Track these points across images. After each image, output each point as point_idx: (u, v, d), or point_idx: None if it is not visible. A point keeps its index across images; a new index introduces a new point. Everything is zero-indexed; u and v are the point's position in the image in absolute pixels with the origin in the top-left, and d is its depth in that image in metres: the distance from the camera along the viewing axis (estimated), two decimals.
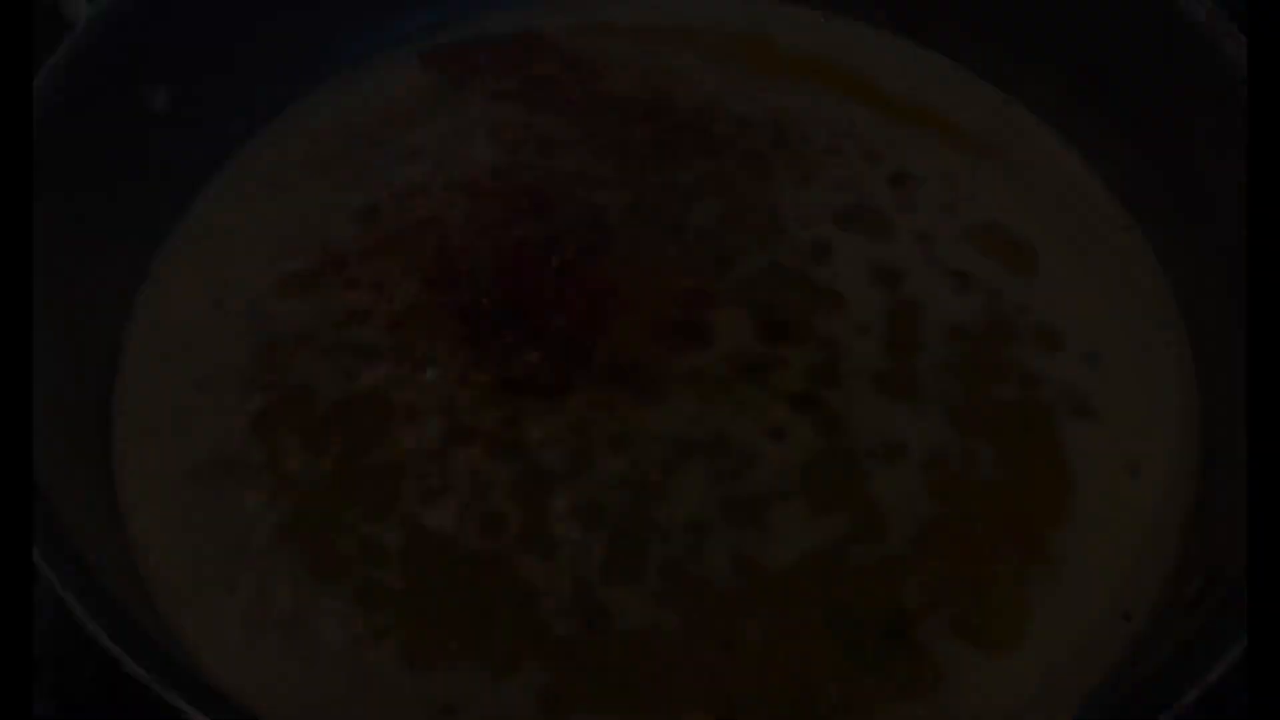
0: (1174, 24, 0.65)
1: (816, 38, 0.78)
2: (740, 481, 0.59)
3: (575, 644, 0.54)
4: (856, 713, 0.53)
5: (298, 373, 0.63)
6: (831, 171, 0.71)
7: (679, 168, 0.71)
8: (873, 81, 0.76)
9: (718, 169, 0.71)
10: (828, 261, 0.67)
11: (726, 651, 0.54)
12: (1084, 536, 0.58)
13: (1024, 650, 0.55)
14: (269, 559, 0.57)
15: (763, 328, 0.64)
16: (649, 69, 0.77)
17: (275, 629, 0.55)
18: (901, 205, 0.70)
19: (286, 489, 0.59)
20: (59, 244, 0.60)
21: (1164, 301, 0.66)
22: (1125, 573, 0.57)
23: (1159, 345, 0.65)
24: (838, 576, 0.56)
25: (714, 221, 0.68)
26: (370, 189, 0.70)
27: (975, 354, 0.63)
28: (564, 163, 0.71)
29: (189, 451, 0.60)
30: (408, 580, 0.56)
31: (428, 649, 0.54)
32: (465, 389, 0.61)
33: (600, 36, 0.79)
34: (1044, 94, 0.74)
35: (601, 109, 0.74)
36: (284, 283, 0.66)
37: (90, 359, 0.62)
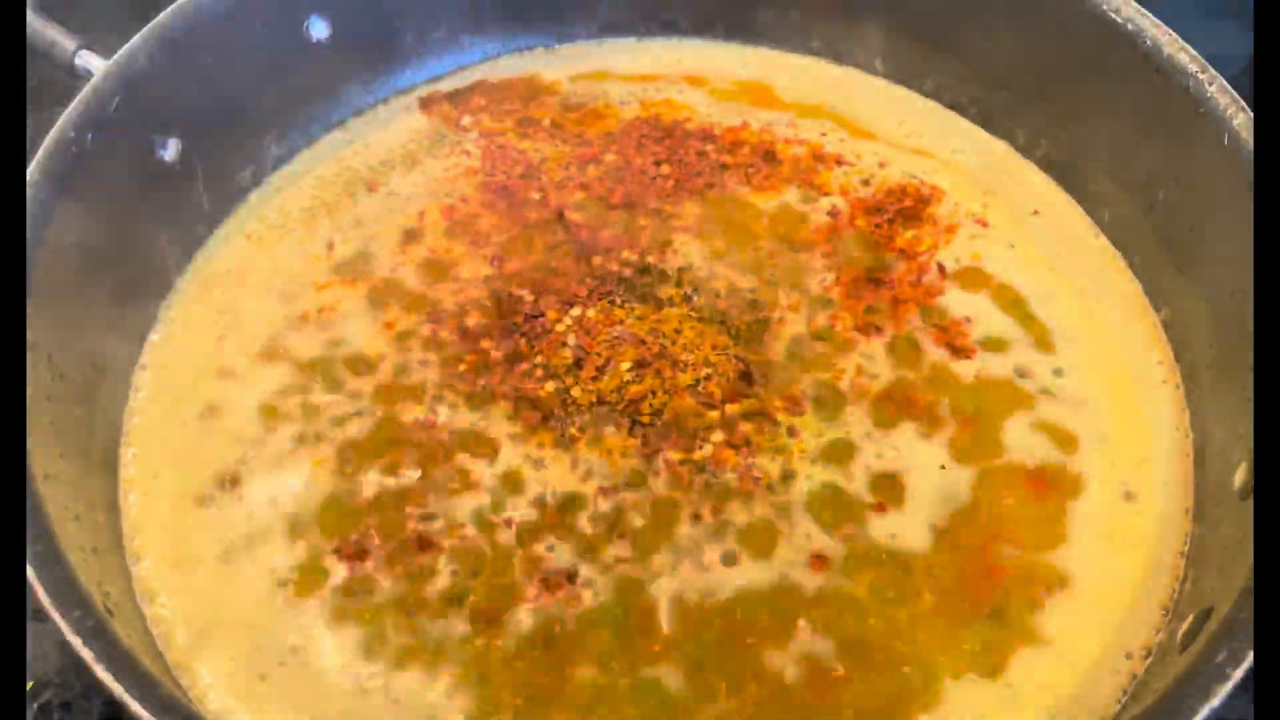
0: (1155, 72, 0.66)
1: (814, 85, 0.80)
2: None
3: None
4: None
5: (304, 409, 0.64)
6: (834, 201, 0.73)
7: (673, 202, 0.73)
8: (871, 124, 0.78)
9: (707, 206, 0.73)
10: (829, 309, 0.68)
11: None
12: (1086, 571, 0.59)
13: (1030, 685, 0.56)
14: (274, 595, 0.58)
15: (761, 375, 0.65)
16: (649, 103, 0.78)
17: (280, 669, 0.56)
18: (902, 242, 0.71)
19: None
20: (71, 290, 0.61)
21: (1155, 342, 0.68)
22: (1125, 610, 0.58)
23: (1153, 383, 0.66)
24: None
25: (711, 261, 0.70)
26: (371, 231, 0.72)
27: (975, 388, 0.65)
28: (561, 196, 0.73)
29: (196, 489, 0.62)
30: None
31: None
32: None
33: (601, 82, 0.80)
34: (1033, 138, 0.75)
35: (599, 142, 0.76)
36: (290, 322, 0.68)
37: (100, 402, 0.63)
